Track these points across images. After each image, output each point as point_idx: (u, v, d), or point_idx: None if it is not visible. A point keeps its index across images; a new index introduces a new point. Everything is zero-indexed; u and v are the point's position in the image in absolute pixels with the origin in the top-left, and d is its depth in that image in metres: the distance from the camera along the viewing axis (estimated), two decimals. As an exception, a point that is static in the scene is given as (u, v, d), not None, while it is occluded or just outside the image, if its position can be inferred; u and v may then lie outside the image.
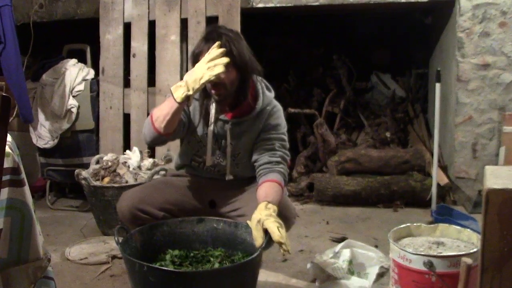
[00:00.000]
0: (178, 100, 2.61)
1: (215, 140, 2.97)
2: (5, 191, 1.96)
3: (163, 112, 2.69)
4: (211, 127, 2.93)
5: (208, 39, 2.73)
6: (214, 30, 2.80)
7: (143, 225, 2.73)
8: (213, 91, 2.80)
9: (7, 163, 1.87)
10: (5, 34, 3.94)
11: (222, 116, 2.94)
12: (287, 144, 2.99)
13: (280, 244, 2.40)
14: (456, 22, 4.41)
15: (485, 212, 1.68)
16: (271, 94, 3.00)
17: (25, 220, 2.06)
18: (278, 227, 2.42)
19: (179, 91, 2.61)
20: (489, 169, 1.93)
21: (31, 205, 2.08)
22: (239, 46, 2.78)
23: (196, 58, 2.76)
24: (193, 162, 3.09)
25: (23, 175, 2.05)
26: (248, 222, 2.58)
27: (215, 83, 2.72)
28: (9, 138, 1.88)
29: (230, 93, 2.82)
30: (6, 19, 3.94)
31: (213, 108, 2.93)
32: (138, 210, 2.82)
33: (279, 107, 3.01)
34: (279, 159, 2.89)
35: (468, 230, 2.84)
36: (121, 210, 2.88)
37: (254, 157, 2.94)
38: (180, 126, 2.87)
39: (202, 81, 2.57)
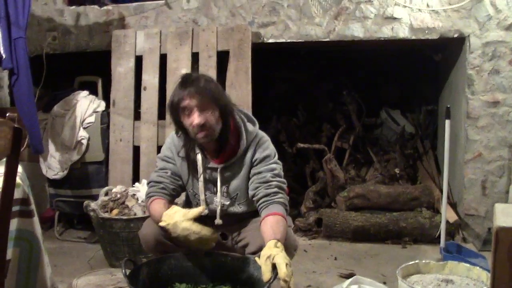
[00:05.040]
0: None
1: (209, 188, 2.99)
2: (14, 222, 1.97)
3: (153, 218, 2.85)
4: (201, 178, 2.96)
5: (187, 84, 2.77)
6: (189, 76, 2.84)
7: (166, 253, 2.73)
8: (199, 135, 2.80)
9: (17, 194, 1.88)
10: (19, 65, 4.00)
11: (210, 164, 2.95)
12: (281, 172, 2.96)
13: (285, 281, 2.38)
14: (466, 59, 4.43)
15: (495, 250, 1.67)
16: (254, 128, 2.98)
17: (34, 251, 2.07)
18: (286, 264, 2.41)
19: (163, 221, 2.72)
20: (499, 207, 1.92)
21: (39, 236, 2.09)
22: (217, 87, 2.86)
23: (176, 107, 2.79)
24: None
25: (33, 206, 2.06)
26: (257, 258, 2.56)
27: (202, 124, 2.75)
28: (19, 169, 1.89)
29: (216, 134, 2.83)
30: (20, 51, 4.00)
31: (199, 159, 2.95)
32: (164, 237, 2.81)
33: (264, 138, 3.00)
34: (275, 189, 2.86)
35: (478, 268, 2.82)
36: (145, 238, 2.88)
37: (251, 192, 2.92)
38: (178, 189, 3.04)
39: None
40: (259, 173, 2.90)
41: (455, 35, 4.45)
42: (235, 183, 2.95)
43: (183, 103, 2.76)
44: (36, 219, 2.08)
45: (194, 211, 2.69)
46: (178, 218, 2.67)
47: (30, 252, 2.06)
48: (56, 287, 2.23)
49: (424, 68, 6.04)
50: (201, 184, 2.96)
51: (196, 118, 2.75)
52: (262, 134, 3.01)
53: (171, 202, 2.97)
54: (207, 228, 2.65)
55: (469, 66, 4.41)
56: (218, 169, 2.93)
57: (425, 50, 5.60)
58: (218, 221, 2.97)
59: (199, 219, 3.00)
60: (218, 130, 2.83)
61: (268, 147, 2.97)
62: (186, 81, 2.80)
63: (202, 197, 2.97)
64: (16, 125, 1.70)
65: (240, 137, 2.92)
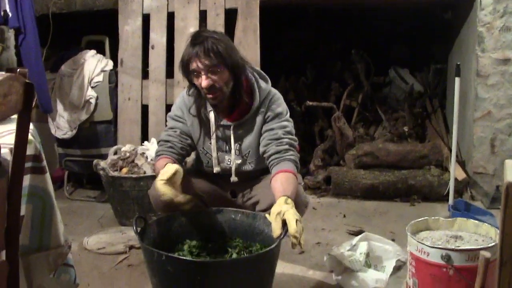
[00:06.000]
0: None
1: (221, 146, 3.00)
2: (27, 178, 1.97)
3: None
4: (214, 136, 2.96)
5: (195, 44, 2.76)
6: (199, 34, 2.82)
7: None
8: (209, 96, 2.81)
9: (29, 150, 1.88)
10: (25, 25, 3.98)
11: (223, 122, 2.96)
12: (292, 130, 2.97)
13: (295, 237, 2.38)
14: (476, 17, 4.37)
15: (505, 206, 1.67)
16: (266, 85, 2.98)
17: (46, 207, 2.08)
18: (296, 220, 2.42)
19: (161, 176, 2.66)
20: (509, 163, 1.92)
21: (52, 193, 2.09)
22: (227, 46, 2.80)
23: (186, 66, 2.80)
24: (207, 169, 3.11)
25: (44, 163, 2.06)
26: (267, 215, 2.58)
27: (210, 86, 2.75)
28: (31, 126, 1.89)
29: (226, 94, 2.84)
30: (26, 10, 3.97)
31: (211, 117, 2.95)
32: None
33: (277, 95, 3.00)
34: (286, 146, 2.87)
35: (486, 224, 2.83)
36: (155, 197, 2.88)
37: (262, 148, 2.93)
38: (187, 148, 3.03)
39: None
40: (271, 129, 2.91)
41: (466, -9, 4.39)
42: (247, 141, 2.96)
43: (191, 65, 2.77)
44: (48, 175, 2.08)
45: (167, 172, 2.64)
46: (157, 178, 2.66)
47: (43, 208, 2.07)
48: (70, 244, 2.24)
49: (433, 27, 5.98)
50: (213, 142, 2.97)
51: (203, 81, 2.75)
52: (274, 91, 3.01)
53: (179, 160, 2.98)
54: (174, 193, 2.62)
55: (479, 23, 4.34)
56: (231, 127, 2.93)
57: (435, 8, 5.53)
58: (234, 178, 3.00)
59: (213, 177, 3.04)
60: (228, 91, 2.83)
61: (281, 105, 2.98)
62: (195, 40, 2.78)
63: (214, 155, 2.98)
64: (27, 80, 1.69)
65: (253, 94, 2.91)
